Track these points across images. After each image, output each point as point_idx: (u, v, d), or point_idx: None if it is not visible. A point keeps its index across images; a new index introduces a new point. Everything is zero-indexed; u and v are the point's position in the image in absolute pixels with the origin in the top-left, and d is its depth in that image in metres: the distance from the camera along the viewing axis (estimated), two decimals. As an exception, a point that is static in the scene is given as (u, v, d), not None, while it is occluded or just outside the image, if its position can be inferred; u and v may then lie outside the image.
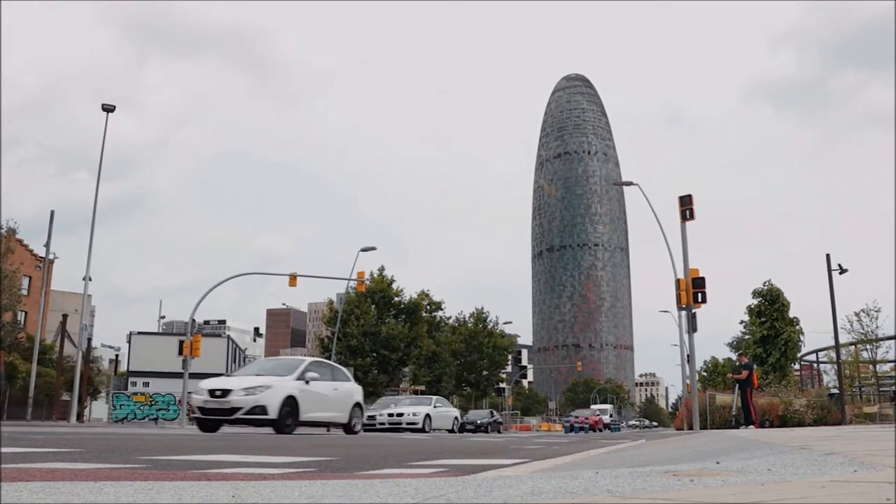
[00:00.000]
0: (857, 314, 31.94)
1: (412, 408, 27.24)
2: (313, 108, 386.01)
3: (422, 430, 25.25)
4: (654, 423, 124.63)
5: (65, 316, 39.49)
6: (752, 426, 19.01)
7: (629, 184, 29.01)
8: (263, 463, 5.48)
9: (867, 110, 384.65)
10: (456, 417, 29.16)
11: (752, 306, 33.90)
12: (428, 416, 26.35)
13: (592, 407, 71.05)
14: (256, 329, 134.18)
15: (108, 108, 30.33)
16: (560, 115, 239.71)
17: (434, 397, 30.37)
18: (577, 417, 50.76)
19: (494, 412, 42.51)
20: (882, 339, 31.77)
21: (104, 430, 16.92)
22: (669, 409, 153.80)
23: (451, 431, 27.63)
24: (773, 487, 2.51)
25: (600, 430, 47.99)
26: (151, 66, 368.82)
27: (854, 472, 2.93)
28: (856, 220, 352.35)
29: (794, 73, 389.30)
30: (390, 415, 26.68)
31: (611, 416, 65.16)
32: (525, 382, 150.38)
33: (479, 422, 37.37)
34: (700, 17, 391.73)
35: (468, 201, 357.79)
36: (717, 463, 3.83)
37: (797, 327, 33.03)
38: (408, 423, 25.82)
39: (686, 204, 22.36)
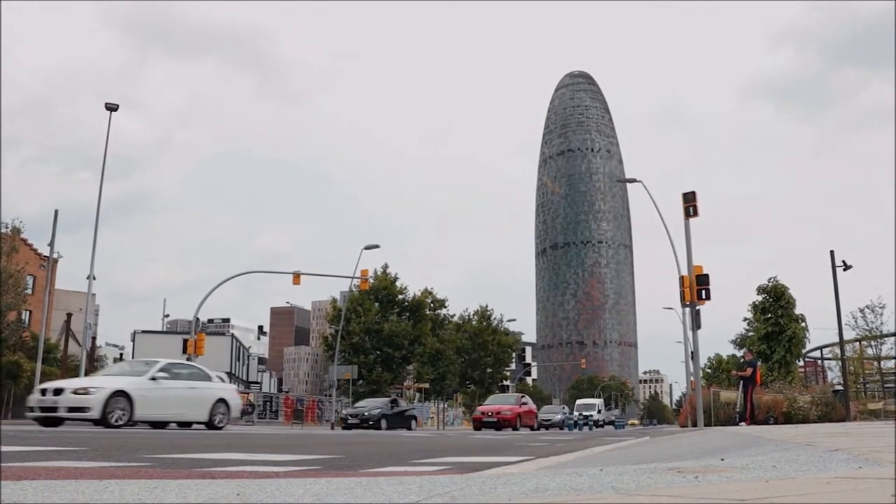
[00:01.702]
0: (861, 310, 31.85)
1: (90, 381, 16.30)
2: (315, 107, 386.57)
3: (101, 423, 14.59)
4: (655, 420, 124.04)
5: (69, 315, 39.59)
6: (743, 423, 19.03)
7: (632, 181, 28.91)
8: (268, 461, 5.49)
9: (867, 108, 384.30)
10: (222, 400, 17.11)
11: (757, 303, 33.82)
12: (123, 396, 15.13)
13: (578, 402, 62.64)
14: (260, 327, 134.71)
15: (111, 108, 30.32)
16: (563, 112, 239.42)
17: (160, 362, 17.09)
18: (485, 410, 30.57)
19: (400, 401, 33.01)
20: (886, 336, 31.68)
21: (108, 429, 16.92)
22: (673, 406, 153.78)
23: (210, 426, 16.61)
24: (778, 484, 2.51)
25: (532, 429, 31.29)
26: (153, 66, 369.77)
27: (859, 468, 2.92)
28: (857, 217, 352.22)
29: (794, 70, 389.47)
30: (43, 391, 15.45)
31: (599, 411, 57.19)
32: (529, 380, 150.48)
33: (366, 413, 28.09)
34: (701, 16, 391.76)
35: (471, 199, 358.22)
36: (722, 460, 3.83)
37: (802, 324, 32.95)
38: (70, 409, 14.71)
39: (690, 200, 22.31)
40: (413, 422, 30.58)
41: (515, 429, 28.94)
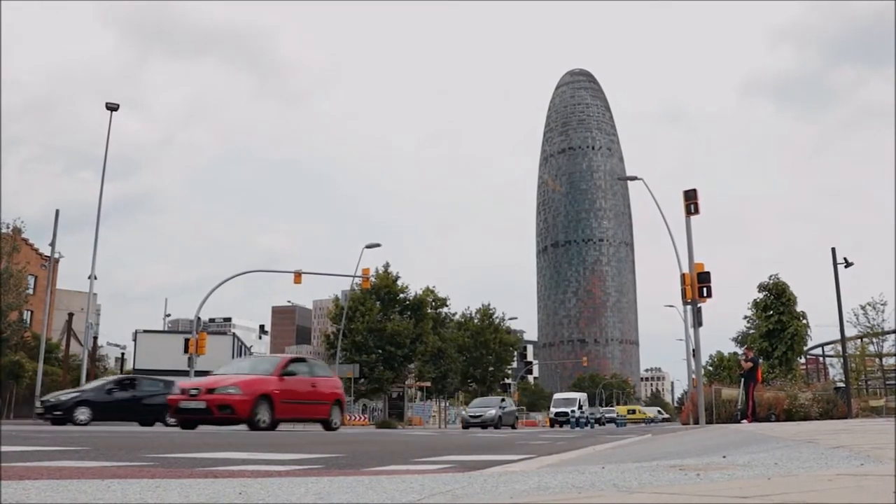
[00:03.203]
0: (863, 308, 31.89)
1: None
2: (315, 107, 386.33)
3: None
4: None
5: (70, 314, 39.63)
6: (744, 420, 19.06)
7: (633, 178, 28.94)
8: (270, 460, 5.49)
9: (867, 106, 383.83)
10: None
11: (758, 300, 33.85)
12: None
13: (556, 396, 56.66)
14: (262, 326, 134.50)
15: (111, 107, 30.37)
16: (564, 110, 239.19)
17: None
18: (187, 386, 15.81)
19: (142, 381, 23.07)
20: (888, 333, 31.72)
21: (110, 429, 16.97)
22: (675, 404, 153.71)
23: None
24: (780, 481, 2.50)
25: (329, 428, 16.84)
26: (154, 66, 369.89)
27: (860, 465, 2.92)
28: (858, 214, 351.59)
29: (794, 69, 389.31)
30: None
31: (581, 406, 48.94)
32: (531, 378, 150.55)
33: (52, 400, 20.81)
34: (701, 15, 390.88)
35: (472, 198, 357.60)
36: (724, 457, 3.83)
37: (804, 321, 32.97)
38: None
39: (691, 198, 22.33)
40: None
41: (253, 424, 14.85)
